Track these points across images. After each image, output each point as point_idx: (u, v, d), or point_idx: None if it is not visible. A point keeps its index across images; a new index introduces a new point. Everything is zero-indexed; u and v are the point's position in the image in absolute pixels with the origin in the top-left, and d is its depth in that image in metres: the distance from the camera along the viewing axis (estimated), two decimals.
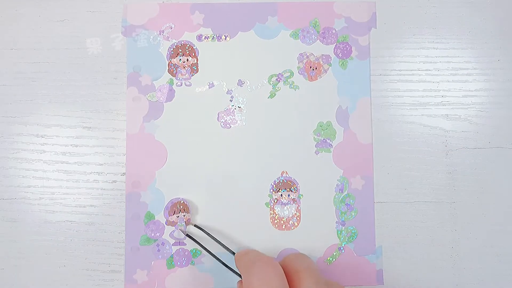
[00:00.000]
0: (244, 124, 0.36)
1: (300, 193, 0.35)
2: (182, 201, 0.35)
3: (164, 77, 0.36)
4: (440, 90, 0.36)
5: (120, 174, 0.35)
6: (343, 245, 0.35)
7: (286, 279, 0.27)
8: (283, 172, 0.35)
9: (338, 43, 0.36)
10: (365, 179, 0.35)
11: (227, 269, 0.32)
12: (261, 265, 0.27)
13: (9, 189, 0.35)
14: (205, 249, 0.33)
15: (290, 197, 0.35)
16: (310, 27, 0.37)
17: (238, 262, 0.30)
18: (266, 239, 0.35)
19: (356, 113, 0.36)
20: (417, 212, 0.35)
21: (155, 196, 0.35)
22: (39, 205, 0.35)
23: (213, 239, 0.33)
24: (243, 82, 0.36)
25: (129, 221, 0.35)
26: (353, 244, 0.35)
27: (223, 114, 0.36)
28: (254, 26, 0.37)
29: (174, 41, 0.36)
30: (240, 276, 0.30)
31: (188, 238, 0.34)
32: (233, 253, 0.32)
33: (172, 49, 0.36)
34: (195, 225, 0.34)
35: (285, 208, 0.35)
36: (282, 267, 0.28)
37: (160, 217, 0.35)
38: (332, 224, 0.35)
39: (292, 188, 0.35)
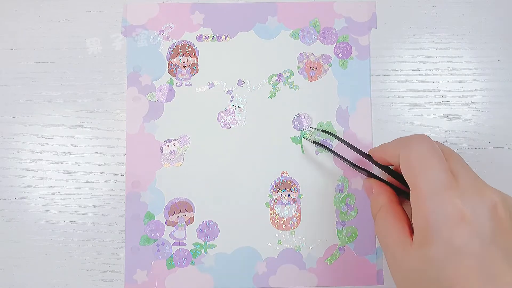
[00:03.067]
0: (244, 124, 0.36)
1: (300, 193, 0.35)
2: (184, 200, 0.35)
3: (164, 77, 0.36)
4: (440, 90, 0.36)
5: (120, 174, 0.35)
6: (343, 245, 0.35)
7: (441, 152, 0.26)
8: (283, 172, 0.35)
9: (338, 43, 0.36)
10: None
11: (356, 168, 0.32)
12: (420, 140, 0.27)
13: (9, 189, 0.35)
14: (336, 153, 0.33)
15: (290, 197, 0.35)
16: (310, 27, 0.37)
17: (384, 148, 0.30)
18: (266, 239, 0.35)
19: (356, 113, 0.36)
20: None
21: (155, 196, 0.35)
22: (39, 205, 0.35)
23: (342, 142, 0.33)
24: (243, 82, 0.36)
25: (129, 221, 0.35)
26: (353, 244, 0.35)
27: (223, 114, 0.36)
28: (254, 26, 0.37)
29: (174, 41, 0.36)
30: (370, 175, 0.31)
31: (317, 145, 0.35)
32: (367, 154, 0.31)
33: (172, 49, 0.36)
34: (322, 131, 0.35)
35: (285, 208, 0.35)
36: None
37: (160, 217, 0.35)
38: (332, 224, 0.35)
39: (292, 188, 0.35)
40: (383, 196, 0.29)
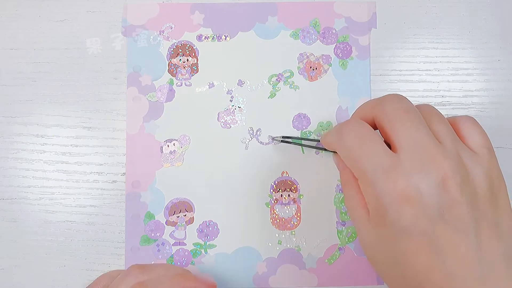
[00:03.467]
0: (244, 124, 0.36)
1: (300, 193, 0.35)
2: (185, 200, 0.35)
3: (164, 77, 0.36)
4: (440, 90, 0.36)
5: (120, 174, 0.35)
6: (343, 245, 0.35)
7: (375, 132, 0.26)
8: (283, 172, 0.35)
9: (338, 43, 0.36)
10: None
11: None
12: (347, 130, 0.27)
13: (9, 189, 0.35)
14: (300, 143, 0.34)
15: (290, 197, 0.35)
16: (310, 27, 0.37)
17: (325, 139, 0.30)
18: (266, 239, 0.35)
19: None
20: None
21: (155, 196, 0.35)
22: (39, 205, 0.35)
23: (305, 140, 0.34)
24: (243, 82, 0.36)
25: (129, 221, 0.35)
26: (353, 244, 0.35)
27: (223, 114, 0.36)
28: (254, 26, 0.37)
29: (174, 41, 0.36)
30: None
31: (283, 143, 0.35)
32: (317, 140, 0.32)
33: (172, 49, 0.36)
34: (282, 138, 0.35)
35: (285, 208, 0.35)
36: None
37: (160, 217, 0.35)
38: (332, 224, 0.35)
39: (292, 188, 0.35)
40: (347, 171, 0.28)
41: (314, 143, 0.35)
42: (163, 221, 0.35)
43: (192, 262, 0.35)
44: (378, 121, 0.26)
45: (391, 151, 0.25)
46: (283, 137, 0.35)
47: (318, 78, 0.36)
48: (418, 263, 0.23)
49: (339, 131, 0.27)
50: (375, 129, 0.27)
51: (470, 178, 0.24)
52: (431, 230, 0.23)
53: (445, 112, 0.36)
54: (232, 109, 0.36)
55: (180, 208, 0.35)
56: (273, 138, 0.35)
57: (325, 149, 0.31)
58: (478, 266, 0.22)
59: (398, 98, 0.26)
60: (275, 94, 0.36)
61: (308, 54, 0.36)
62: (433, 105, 0.35)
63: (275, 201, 0.35)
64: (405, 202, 0.23)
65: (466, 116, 0.28)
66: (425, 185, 0.23)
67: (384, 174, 0.24)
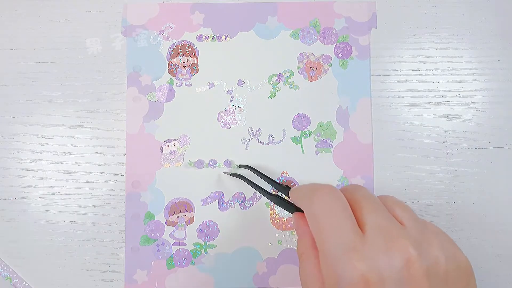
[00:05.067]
0: (244, 124, 0.36)
1: None
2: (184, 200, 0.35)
3: (164, 77, 0.36)
4: (440, 90, 0.36)
5: (120, 174, 0.35)
6: None
7: (349, 206, 0.25)
8: (283, 172, 0.35)
9: (338, 43, 0.36)
10: (365, 179, 0.35)
11: (282, 205, 0.30)
12: (323, 193, 0.25)
13: (9, 189, 0.35)
14: (255, 185, 0.32)
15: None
16: (310, 27, 0.37)
17: (296, 193, 0.28)
18: (266, 239, 0.35)
19: (356, 113, 0.36)
20: (417, 212, 0.35)
21: (155, 196, 0.35)
22: (39, 205, 0.35)
23: (262, 176, 0.32)
24: (243, 82, 0.36)
25: (129, 221, 0.35)
26: None
27: (223, 114, 0.36)
28: (254, 26, 0.37)
29: (174, 41, 0.36)
30: (295, 209, 0.29)
31: (236, 178, 0.34)
32: (288, 188, 0.30)
33: (172, 49, 0.36)
34: (239, 166, 0.35)
35: None
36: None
37: (160, 217, 0.35)
38: None
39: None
40: (308, 238, 0.26)
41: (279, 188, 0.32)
42: (163, 221, 0.35)
43: (192, 262, 0.35)
44: (348, 200, 0.25)
45: (359, 230, 0.23)
46: (242, 166, 0.34)
47: (318, 78, 0.36)
48: None
49: (312, 193, 0.25)
50: None
51: (437, 262, 0.23)
52: None
53: (445, 112, 0.36)
54: (232, 109, 0.36)
55: (180, 208, 0.35)
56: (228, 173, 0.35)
57: (286, 202, 0.30)
58: None
59: (360, 188, 0.26)
60: (275, 94, 0.36)
61: (308, 54, 0.36)
62: (433, 107, 0.35)
63: None
64: (361, 285, 0.22)
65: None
66: (387, 269, 0.22)
67: (347, 254, 0.22)
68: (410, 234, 0.23)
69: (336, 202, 0.24)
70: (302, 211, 0.28)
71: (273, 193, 0.31)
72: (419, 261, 0.22)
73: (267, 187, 0.34)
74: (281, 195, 0.32)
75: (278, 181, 0.32)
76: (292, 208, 0.29)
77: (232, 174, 0.34)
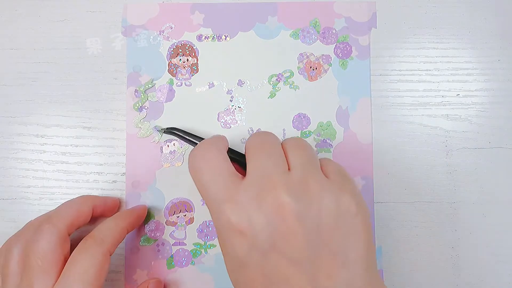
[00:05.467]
0: (244, 124, 0.36)
1: None
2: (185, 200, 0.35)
3: (164, 77, 0.36)
4: (440, 90, 0.36)
5: (120, 174, 0.35)
6: None
7: (228, 160, 0.25)
8: None
9: (338, 43, 0.36)
10: (365, 179, 0.35)
11: None
12: (203, 146, 0.26)
13: (9, 189, 0.35)
14: (187, 137, 0.33)
15: None
16: (310, 27, 0.37)
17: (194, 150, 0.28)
18: None
19: (356, 113, 0.36)
20: (417, 212, 0.35)
21: (155, 196, 0.35)
22: (39, 205, 0.35)
23: (187, 135, 0.33)
24: (243, 82, 0.36)
25: None
26: None
27: (223, 114, 0.36)
28: (254, 26, 0.37)
29: (174, 41, 0.36)
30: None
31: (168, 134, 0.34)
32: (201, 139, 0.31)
33: (172, 49, 0.36)
34: (165, 130, 0.34)
35: None
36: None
37: (160, 217, 0.35)
38: None
39: None
40: None
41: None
42: (163, 221, 0.35)
43: (192, 262, 0.35)
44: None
45: (236, 180, 0.24)
46: (168, 128, 0.34)
47: (318, 78, 0.36)
48: None
49: (197, 147, 0.26)
50: None
51: (315, 206, 0.23)
52: (264, 263, 0.22)
53: (445, 112, 0.36)
54: (232, 109, 0.36)
55: (180, 208, 0.35)
56: (158, 130, 0.35)
57: None
58: None
59: (258, 133, 0.27)
60: (275, 94, 0.36)
61: (308, 54, 0.36)
62: (433, 107, 0.35)
63: None
64: (238, 235, 0.23)
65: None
66: (257, 216, 0.22)
67: (220, 206, 0.23)
68: (289, 179, 0.23)
69: (210, 160, 0.25)
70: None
71: None
72: (291, 207, 0.22)
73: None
74: None
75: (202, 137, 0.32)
76: None
77: (165, 131, 0.34)
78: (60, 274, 0.27)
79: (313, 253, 0.22)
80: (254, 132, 0.27)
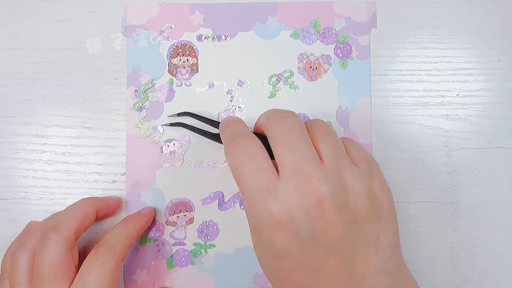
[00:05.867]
0: None
1: None
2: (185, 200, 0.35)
3: (164, 77, 0.36)
4: (440, 90, 0.36)
5: (120, 174, 0.35)
6: None
7: (266, 152, 0.25)
8: None
9: (338, 43, 0.36)
10: None
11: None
12: (240, 137, 0.26)
13: (9, 189, 0.35)
14: (197, 129, 0.33)
15: None
16: (310, 27, 0.37)
17: (222, 134, 0.29)
18: None
19: (356, 113, 0.36)
20: (417, 212, 0.35)
21: (155, 196, 0.35)
22: (39, 205, 0.35)
23: (202, 119, 0.33)
24: (243, 82, 0.36)
25: None
26: None
27: (223, 114, 0.36)
28: (254, 26, 0.37)
29: (174, 41, 0.36)
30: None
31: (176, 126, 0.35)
32: (218, 123, 0.31)
33: (172, 49, 0.36)
34: (178, 114, 0.35)
35: None
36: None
37: (160, 217, 0.35)
38: None
39: None
40: None
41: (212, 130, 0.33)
42: (163, 221, 0.35)
43: (192, 262, 0.35)
44: (268, 139, 0.26)
45: (275, 172, 0.24)
46: (181, 114, 0.35)
47: (318, 78, 0.36)
48: (295, 282, 0.24)
49: (233, 139, 0.26)
50: None
51: (350, 197, 0.24)
52: (303, 253, 0.23)
53: (445, 112, 0.36)
54: (232, 109, 0.36)
55: (180, 208, 0.35)
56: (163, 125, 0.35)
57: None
58: (349, 283, 0.23)
59: (283, 117, 0.26)
60: (275, 94, 0.36)
61: (308, 54, 0.36)
62: (433, 107, 0.35)
63: None
64: (277, 227, 0.23)
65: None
66: (298, 209, 0.23)
67: (261, 196, 0.23)
68: (324, 173, 0.23)
69: (249, 150, 0.25)
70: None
71: (215, 132, 0.32)
72: (330, 201, 0.23)
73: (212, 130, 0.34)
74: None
75: (217, 120, 0.32)
76: None
77: (171, 124, 0.35)
78: (72, 281, 0.28)
79: (350, 242, 0.23)
80: (274, 112, 0.27)
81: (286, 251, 0.23)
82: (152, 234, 0.35)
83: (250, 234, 0.26)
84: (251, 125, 0.36)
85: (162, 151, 0.35)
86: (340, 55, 0.36)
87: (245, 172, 0.25)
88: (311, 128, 0.26)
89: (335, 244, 0.23)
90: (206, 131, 0.33)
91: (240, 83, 0.36)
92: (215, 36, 0.36)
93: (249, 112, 0.36)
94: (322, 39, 0.37)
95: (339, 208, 0.23)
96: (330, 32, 0.37)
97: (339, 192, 0.23)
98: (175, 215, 0.35)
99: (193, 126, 0.34)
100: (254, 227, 0.25)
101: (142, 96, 0.36)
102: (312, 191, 0.23)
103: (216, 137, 0.33)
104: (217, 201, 0.35)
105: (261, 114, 0.29)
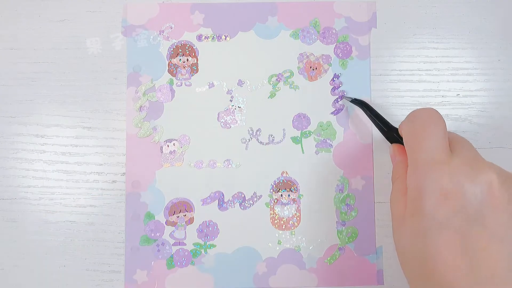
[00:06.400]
0: (244, 124, 0.36)
1: (300, 193, 0.35)
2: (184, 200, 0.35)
3: (164, 77, 0.36)
4: (440, 90, 0.36)
5: (120, 174, 0.35)
6: (343, 245, 0.35)
7: (446, 130, 0.27)
8: (283, 172, 0.35)
9: (338, 43, 0.36)
10: (365, 179, 0.35)
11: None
12: (423, 111, 0.28)
13: (9, 189, 0.35)
14: (373, 116, 0.33)
15: (290, 197, 0.35)
16: (310, 27, 0.37)
17: (402, 124, 0.29)
18: (266, 239, 0.35)
19: (356, 113, 0.36)
20: None
21: (155, 196, 0.35)
22: (39, 205, 0.35)
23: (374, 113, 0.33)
24: (243, 82, 0.36)
25: (129, 221, 0.35)
26: (353, 244, 0.35)
27: (223, 114, 0.36)
28: (254, 26, 0.37)
29: (174, 41, 0.36)
30: (397, 141, 0.31)
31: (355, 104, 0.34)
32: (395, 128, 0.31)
33: (172, 49, 0.36)
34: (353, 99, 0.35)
35: (285, 208, 0.35)
36: None
37: (160, 217, 0.35)
38: (332, 224, 0.35)
39: (292, 188, 0.35)
40: (403, 166, 0.28)
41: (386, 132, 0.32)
42: (163, 221, 0.35)
43: (192, 262, 0.35)
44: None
45: (450, 152, 0.25)
46: (355, 99, 0.34)
47: (318, 78, 0.36)
48: (445, 262, 0.23)
49: (413, 115, 0.28)
50: None
51: None
52: (467, 230, 0.23)
53: (445, 112, 0.36)
54: (232, 109, 0.36)
55: (180, 208, 0.35)
56: (344, 97, 0.35)
57: (388, 140, 0.31)
58: (509, 275, 0.22)
59: (431, 110, 0.28)
60: (275, 94, 0.36)
61: (308, 54, 0.36)
62: (433, 107, 0.35)
63: (275, 201, 0.35)
64: (444, 198, 0.24)
65: None
66: (470, 186, 0.24)
67: (434, 166, 0.24)
68: (497, 168, 0.25)
69: (436, 118, 0.27)
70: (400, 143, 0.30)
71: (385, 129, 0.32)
72: (500, 184, 0.23)
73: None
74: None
75: (387, 122, 0.32)
76: (391, 138, 0.31)
77: (352, 101, 0.34)
78: None
79: None
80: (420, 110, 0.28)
81: (447, 224, 0.23)
82: (152, 234, 0.35)
83: (394, 210, 0.27)
84: (251, 125, 0.36)
85: (162, 151, 0.35)
86: (340, 55, 0.36)
87: (422, 141, 0.26)
88: (452, 138, 0.28)
89: (500, 231, 0.23)
90: (384, 121, 0.32)
91: (240, 83, 0.36)
92: (215, 36, 0.36)
93: (249, 112, 0.36)
94: (322, 39, 0.37)
95: (509, 199, 0.23)
96: (330, 32, 0.37)
97: (509, 183, 0.24)
98: (175, 215, 0.35)
99: (374, 110, 0.33)
100: (415, 198, 0.25)
101: (142, 96, 0.36)
102: (487, 177, 0.24)
103: (389, 134, 0.32)
104: (217, 201, 0.35)
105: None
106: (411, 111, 0.36)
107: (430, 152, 0.25)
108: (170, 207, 0.35)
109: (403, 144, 0.29)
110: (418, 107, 0.36)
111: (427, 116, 0.27)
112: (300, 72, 0.36)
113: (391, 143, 0.31)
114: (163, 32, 0.36)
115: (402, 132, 0.29)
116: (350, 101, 0.35)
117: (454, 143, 0.26)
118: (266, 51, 0.36)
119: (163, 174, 0.35)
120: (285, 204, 0.35)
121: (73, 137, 0.36)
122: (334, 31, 0.37)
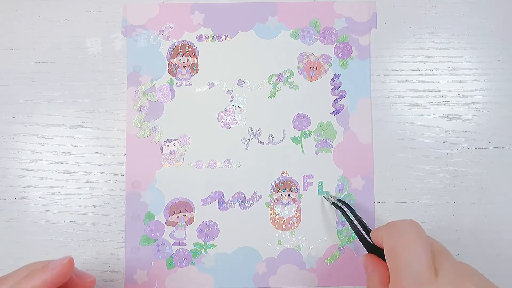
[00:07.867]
0: (244, 124, 0.36)
1: (300, 193, 0.35)
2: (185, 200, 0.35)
3: (164, 77, 0.36)
4: (440, 90, 0.36)
5: (120, 174, 0.35)
6: (343, 245, 0.35)
7: (429, 245, 0.26)
8: (283, 172, 0.35)
9: (338, 43, 0.36)
10: (365, 179, 0.35)
11: (362, 241, 0.30)
12: (409, 224, 0.27)
13: (9, 189, 0.35)
14: (349, 219, 0.32)
15: (290, 197, 0.35)
16: (310, 27, 0.37)
17: (376, 231, 0.29)
18: (266, 239, 0.35)
19: (356, 113, 0.36)
20: (417, 212, 0.35)
21: (155, 196, 0.35)
22: (39, 205, 0.35)
23: (351, 214, 0.33)
24: (243, 82, 0.36)
25: (129, 221, 0.35)
26: (353, 244, 0.35)
27: (223, 114, 0.36)
28: (254, 26, 0.37)
29: (174, 41, 0.36)
30: (369, 250, 0.30)
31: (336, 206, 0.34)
32: (369, 230, 0.31)
33: (172, 49, 0.36)
34: (338, 200, 0.34)
35: (285, 208, 0.35)
36: None
37: (160, 217, 0.35)
38: (332, 224, 0.35)
39: (292, 188, 0.35)
40: (377, 276, 0.28)
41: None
42: (163, 221, 0.35)
43: (192, 262, 0.35)
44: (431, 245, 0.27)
45: (434, 269, 0.25)
46: (338, 200, 0.34)
47: (318, 78, 0.36)
48: None
49: (393, 227, 0.27)
50: None
51: None
52: None
53: (445, 112, 0.36)
54: (232, 109, 0.36)
55: (180, 208, 0.35)
56: (325, 196, 0.35)
57: (364, 247, 0.30)
58: None
59: (415, 227, 0.27)
60: (275, 94, 0.36)
61: (308, 54, 0.36)
62: (433, 107, 0.35)
63: (275, 201, 0.35)
64: None
65: None
66: None
67: (420, 286, 0.24)
68: (476, 280, 0.24)
69: (419, 237, 0.26)
70: (374, 253, 0.29)
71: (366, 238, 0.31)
72: None
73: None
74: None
75: (363, 231, 0.31)
76: (368, 246, 0.30)
77: (333, 203, 0.34)
78: None
79: None
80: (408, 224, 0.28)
81: None
82: (152, 234, 0.35)
83: None
84: (251, 125, 0.36)
85: (162, 151, 0.35)
86: (340, 55, 0.36)
87: (408, 259, 0.25)
88: (435, 249, 0.27)
89: None
90: (363, 232, 0.31)
91: (240, 83, 0.36)
92: (215, 36, 0.36)
93: (249, 112, 0.36)
94: (322, 39, 0.37)
95: None
96: (330, 32, 0.37)
97: None
98: (175, 215, 0.35)
99: (358, 215, 0.32)
100: None
101: (142, 96, 0.36)
102: None
103: (367, 243, 0.30)
104: (217, 201, 0.35)
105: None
106: (412, 109, 0.36)
107: (414, 274, 0.24)
108: (170, 207, 0.35)
109: (378, 252, 0.29)
110: (418, 108, 0.36)
111: (408, 231, 0.26)
112: (300, 72, 0.36)
113: (368, 252, 0.30)
114: (163, 32, 0.36)
115: (379, 242, 0.28)
116: (331, 203, 0.34)
117: (437, 255, 0.26)
118: (266, 51, 0.36)
119: (163, 174, 0.35)
120: (285, 204, 0.35)
121: (73, 137, 0.36)
122: (334, 31, 0.36)
